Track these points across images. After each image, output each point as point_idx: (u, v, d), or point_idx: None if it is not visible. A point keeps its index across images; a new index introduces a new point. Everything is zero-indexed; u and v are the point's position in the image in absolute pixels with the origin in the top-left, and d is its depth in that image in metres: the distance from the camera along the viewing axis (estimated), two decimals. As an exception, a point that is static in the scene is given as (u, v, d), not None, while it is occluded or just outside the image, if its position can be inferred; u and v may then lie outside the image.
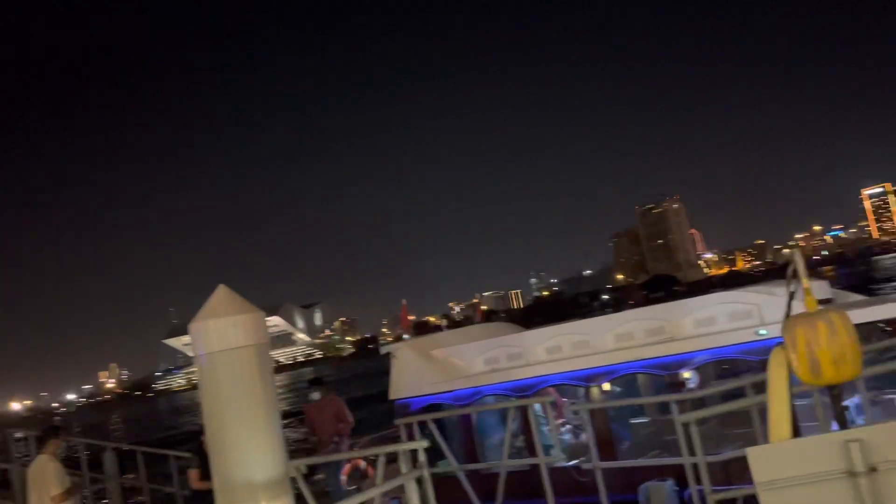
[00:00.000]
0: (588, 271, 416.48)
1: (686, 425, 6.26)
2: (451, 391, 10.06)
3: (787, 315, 2.93)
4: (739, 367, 8.50)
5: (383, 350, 11.66)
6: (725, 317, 8.52)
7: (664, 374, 8.62)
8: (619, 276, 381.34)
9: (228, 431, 5.61)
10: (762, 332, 7.99)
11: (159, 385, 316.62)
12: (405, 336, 12.46)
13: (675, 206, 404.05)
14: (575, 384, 9.36)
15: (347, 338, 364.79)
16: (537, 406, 8.63)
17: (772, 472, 2.60)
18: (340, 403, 10.64)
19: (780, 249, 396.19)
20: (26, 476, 7.90)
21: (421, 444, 6.42)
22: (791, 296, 2.97)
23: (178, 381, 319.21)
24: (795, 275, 3.07)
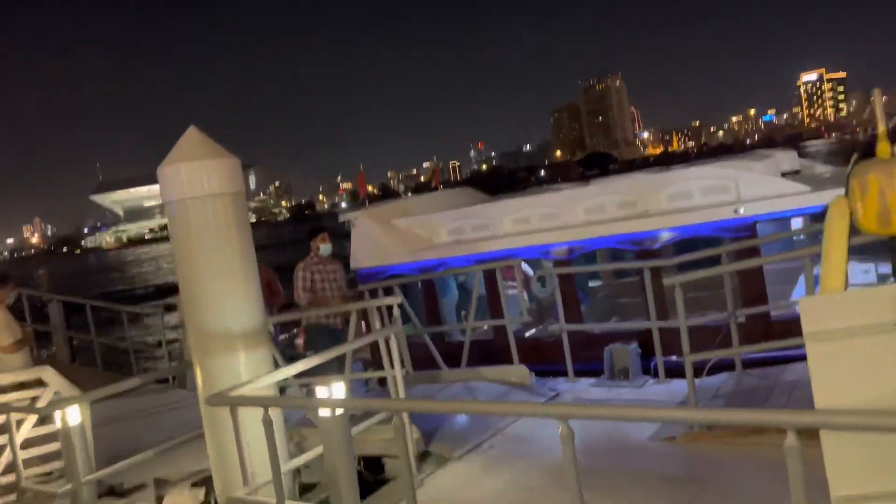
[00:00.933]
0: (528, 146, 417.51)
1: (664, 291, 6.34)
2: (414, 262, 9.87)
3: (855, 164, 2.81)
4: (716, 246, 8.58)
5: (342, 217, 11.29)
6: (701, 192, 8.39)
7: (637, 251, 8.57)
8: (558, 153, 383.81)
9: (204, 282, 5.36)
10: (741, 209, 7.94)
11: (88, 243, 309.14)
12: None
13: (617, 83, 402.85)
14: (543, 258, 9.28)
15: (283, 203, 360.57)
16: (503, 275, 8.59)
17: (822, 323, 2.57)
18: (271, 274, 9.84)
19: (716, 132, 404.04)
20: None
21: (395, 300, 6.35)
22: (856, 156, 2.84)
23: (106, 238, 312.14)
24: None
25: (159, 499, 5.90)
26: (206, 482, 5.77)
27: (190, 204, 5.31)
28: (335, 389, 4.52)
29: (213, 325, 5.33)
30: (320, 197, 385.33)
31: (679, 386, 6.84)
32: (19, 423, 5.57)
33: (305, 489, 5.74)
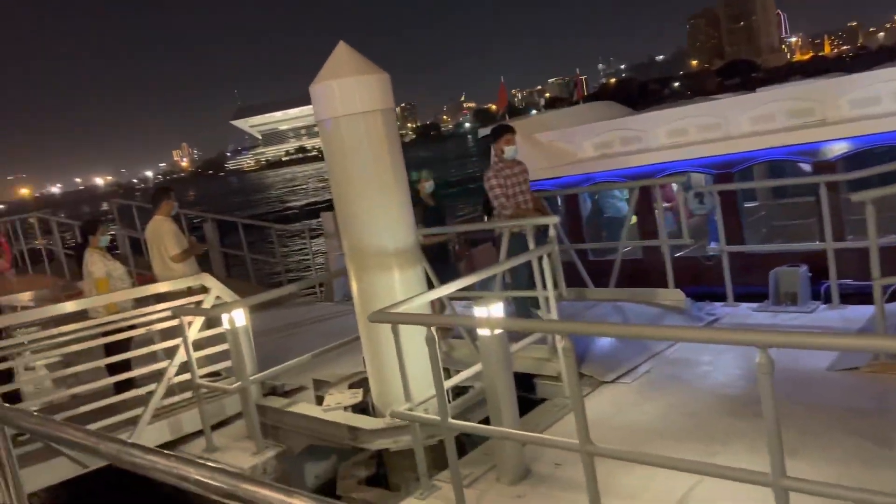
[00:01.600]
0: (660, 56, 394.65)
1: (840, 209, 5.71)
2: (557, 178, 9.51)
3: None
4: None
5: (482, 132, 11.02)
6: (891, 97, 7.40)
7: (812, 163, 7.73)
8: (694, 63, 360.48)
9: (358, 200, 5.38)
10: None
11: (230, 165, 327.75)
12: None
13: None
14: (703, 172, 8.61)
15: (408, 124, 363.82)
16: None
17: None
18: None
19: (875, 33, 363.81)
20: (144, 237, 8.00)
21: (552, 219, 6.09)
22: None
23: (247, 161, 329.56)
24: None
25: (318, 398, 6.18)
26: (361, 383, 5.99)
27: (343, 122, 5.27)
28: (493, 309, 4.44)
29: (369, 242, 5.37)
30: (444, 117, 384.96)
31: (855, 312, 6.27)
32: (189, 324, 5.91)
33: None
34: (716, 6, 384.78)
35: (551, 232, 5.97)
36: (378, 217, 5.36)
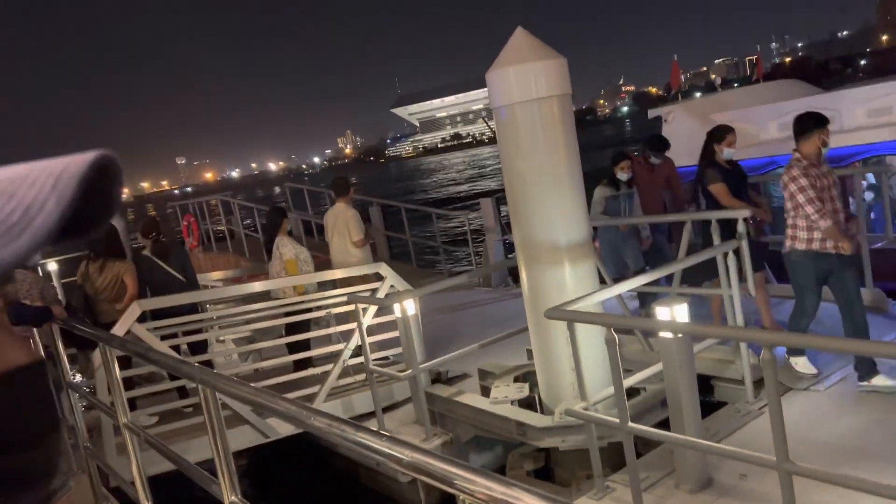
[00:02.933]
0: (844, 32, 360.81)
1: None
2: (739, 160, 8.88)
3: None
4: None
5: (652, 113, 10.53)
6: None
7: None
8: (884, 39, 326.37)
9: (532, 190, 5.27)
10: None
11: (389, 152, 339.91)
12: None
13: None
14: None
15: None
16: (870, 176, 7.33)
17: None
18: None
19: None
20: (325, 221, 8.37)
21: (743, 213, 5.66)
22: None
23: (405, 148, 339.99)
24: None
25: (483, 388, 6.18)
26: (527, 377, 5.91)
27: (518, 109, 5.17)
28: (677, 311, 4.18)
29: (540, 234, 5.25)
30: (600, 101, 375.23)
31: None
32: (364, 311, 6.10)
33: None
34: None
35: (740, 227, 5.55)
36: (551, 208, 5.21)
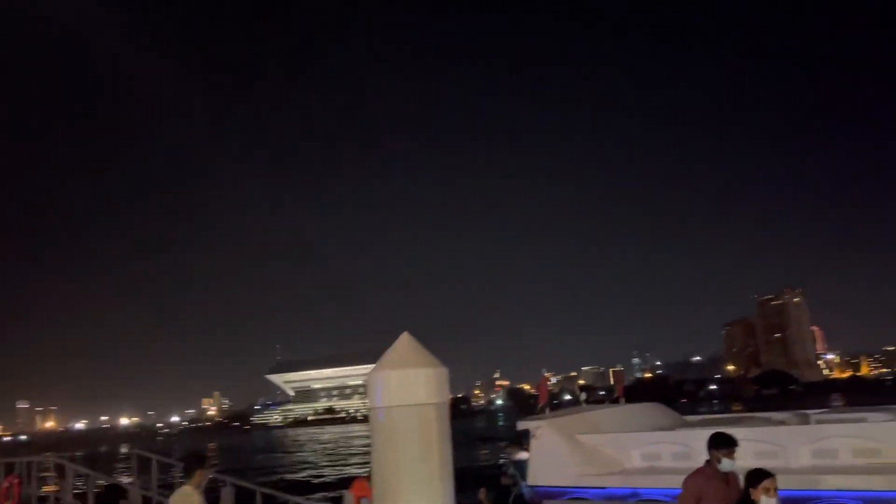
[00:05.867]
0: (697, 358, 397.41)
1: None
2: (602, 487, 8.87)
3: None
4: None
5: (521, 426, 10.71)
6: None
7: None
8: (730, 367, 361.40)
9: (401, 493, 5.10)
10: None
11: (256, 418, 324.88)
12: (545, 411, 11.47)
13: (797, 300, 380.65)
14: None
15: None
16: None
17: None
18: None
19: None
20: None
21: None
22: None
23: (274, 416, 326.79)
24: None
25: None
26: None
27: (397, 412, 5.20)
28: None
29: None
30: (476, 391, 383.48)
31: None
32: None
33: None
34: (752, 316, 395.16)
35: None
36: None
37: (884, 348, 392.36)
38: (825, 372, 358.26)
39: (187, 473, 7.43)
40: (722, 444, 6.13)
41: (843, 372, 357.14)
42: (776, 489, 5.76)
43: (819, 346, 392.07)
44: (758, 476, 5.81)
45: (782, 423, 9.19)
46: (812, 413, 9.94)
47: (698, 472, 6.16)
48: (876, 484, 6.82)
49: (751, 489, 5.81)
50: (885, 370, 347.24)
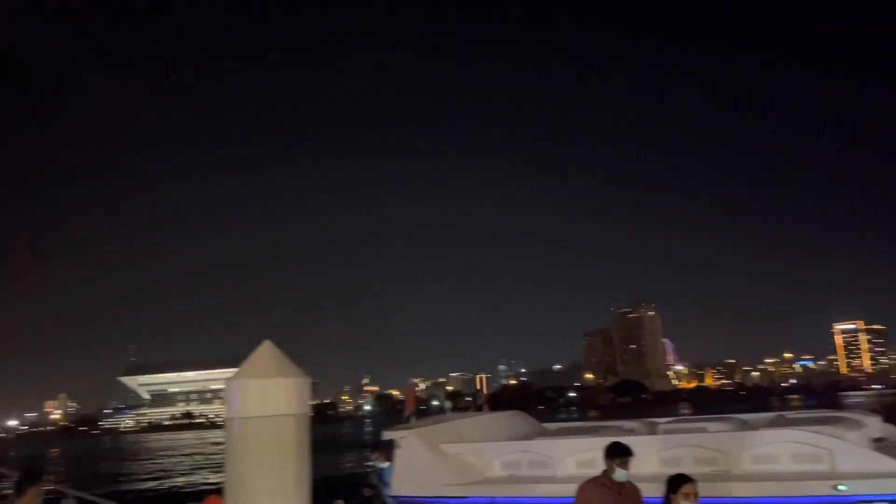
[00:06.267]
0: (558, 366, 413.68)
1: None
2: (463, 497, 8.95)
3: None
4: None
5: (386, 435, 10.67)
6: (790, 458, 7.43)
7: None
8: (589, 375, 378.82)
9: (254, 507, 4.94)
10: (841, 487, 6.90)
11: (106, 423, 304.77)
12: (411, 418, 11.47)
13: (651, 313, 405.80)
14: None
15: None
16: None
17: None
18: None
19: (750, 371, 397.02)
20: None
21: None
22: None
23: (126, 421, 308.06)
24: None
25: None
26: None
27: (254, 423, 5.04)
28: None
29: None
30: (344, 397, 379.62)
31: None
32: None
33: None
34: (610, 328, 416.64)
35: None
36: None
37: (725, 361, 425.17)
38: (674, 382, 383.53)
39: (19, 490, 6.85)
40: (616, 453, 6.20)
41: (689, 382, 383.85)
42: (696, 494, 5.65)
43: (670, 358, 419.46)
44: (677, 481, 5.74)
45: (632, 431, 9.63)
46: (660, 422, 10.49)
47: (593, 480, 6.22)
48: (711, 491, 7.32)
49: (671, 495, 5.71)
50: (726, 381, 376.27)
